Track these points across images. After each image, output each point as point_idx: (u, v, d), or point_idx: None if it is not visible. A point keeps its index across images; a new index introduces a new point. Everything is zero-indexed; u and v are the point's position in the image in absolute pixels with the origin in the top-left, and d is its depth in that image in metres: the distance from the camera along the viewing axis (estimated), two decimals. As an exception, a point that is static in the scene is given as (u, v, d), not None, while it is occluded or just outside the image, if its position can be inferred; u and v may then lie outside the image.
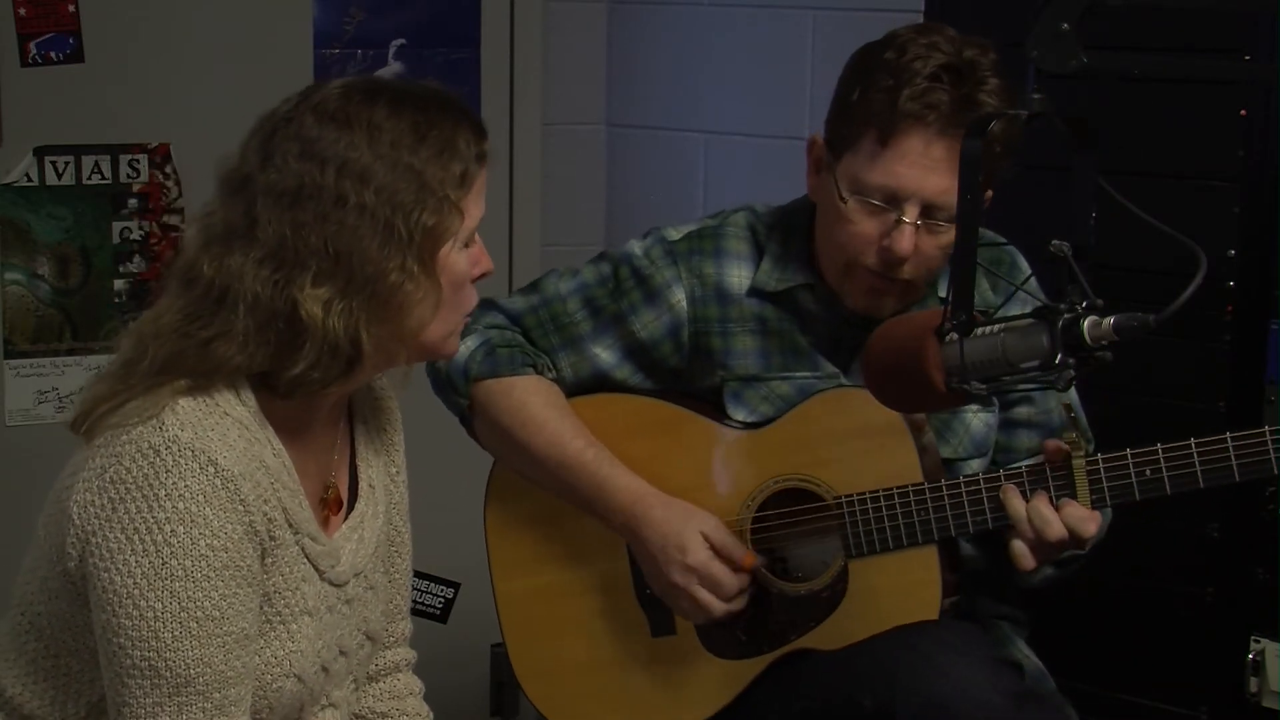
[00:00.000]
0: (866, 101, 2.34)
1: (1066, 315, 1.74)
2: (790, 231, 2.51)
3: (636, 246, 2.55)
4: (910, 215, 2.32)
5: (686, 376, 2.53)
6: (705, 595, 2.42)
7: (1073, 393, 2.54)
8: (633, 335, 2.52)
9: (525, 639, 2.60)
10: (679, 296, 2.50)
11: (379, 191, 1.87)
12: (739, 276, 2.50)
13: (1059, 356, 1.74)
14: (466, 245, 1.96)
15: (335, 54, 3.52)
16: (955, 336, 1.78)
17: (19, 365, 3.36)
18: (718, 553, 2.43)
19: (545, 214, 3.77)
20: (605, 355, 2.53)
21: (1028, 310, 1.79)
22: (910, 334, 1.83)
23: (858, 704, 2.28)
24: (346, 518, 2.07)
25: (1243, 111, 2.73)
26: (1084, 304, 1.73)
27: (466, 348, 2.51)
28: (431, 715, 2.28)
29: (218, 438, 1.86)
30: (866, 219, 2.36)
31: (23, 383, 3.36)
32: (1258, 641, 2.74)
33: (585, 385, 2.55)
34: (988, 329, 1.78)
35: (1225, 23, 2.67)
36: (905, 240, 2.33)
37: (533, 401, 2.50)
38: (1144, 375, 2.77)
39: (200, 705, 1.85)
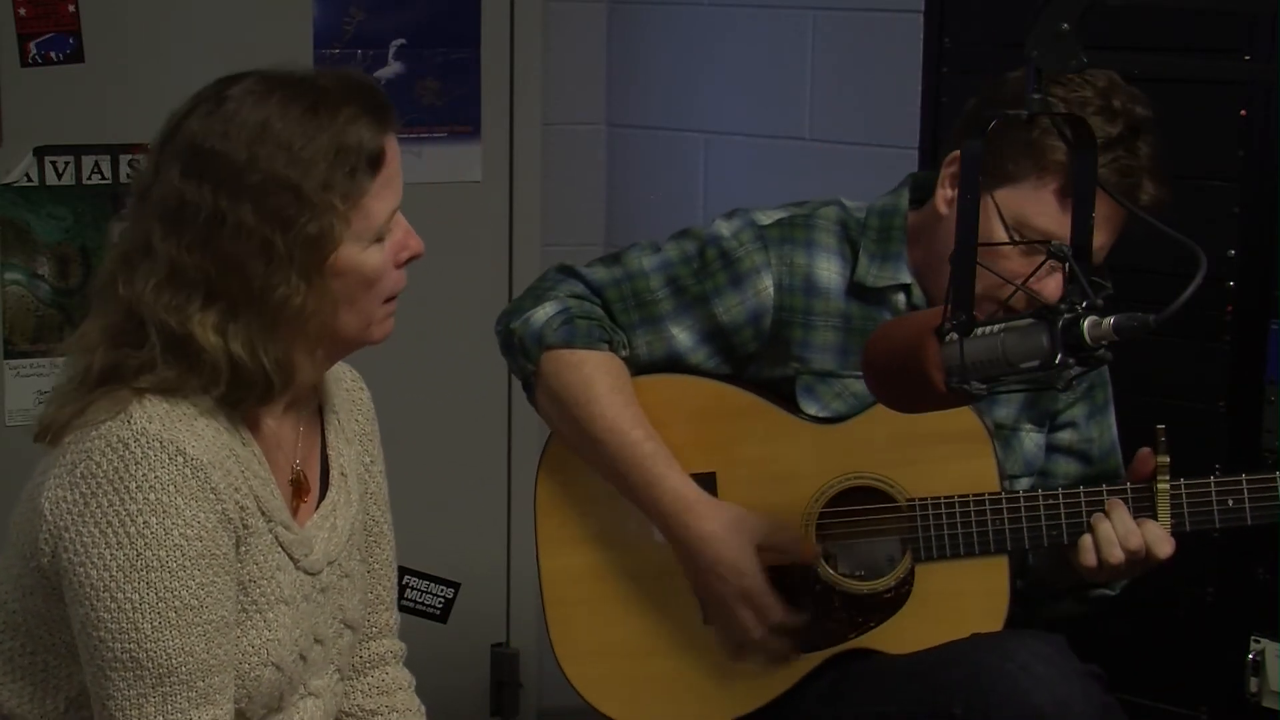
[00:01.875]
0: (1047, 148, 2.30)
1: (1066, 315, 1.74)
2: (888, 231, 2.47)
3: (724, 227, 2.51)
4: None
5: (758, 363, 2.51)
6: (749, 618, 2.41)
7: (1113, 427, 2.56)
8: (714, 318, 2.49)
9: (568, 619, 2.56)
10: (767, 283, 2.47)
11: (257, 208, 1.85)
12: (828, 270, 2.47)
13: (1059, 356, 1.74)
14: (380, 240, 1.93)
15: (335, 54, 3.52)
16: (955, 336, 1.78)
17: (19, 365, 3.36)
18: (776, 553, 2.41)
19: (545, 214, 3.77)
20: (683, 336, 2.50)
21: None
22: (910, 334, 1.83)
23: (947, 712, 2.26)
24: (318, 507, 2.06)
25: (1243, 111, 2.73)
26: (1084, 304, 1.73)
27: (545, 312, 2.48)
28: (424, 709, 2.27)
29: (185, 428, 1.87)
30: (1018, 256, 2.32)
31: (23, 383, 3.36)
32: (1258, 641, 2.74)
33: (658, 365, 2.51)
34: (988, 329, 1.78)
35: (1225, 23, 2.67)
36: (1055, 287, 2.26)
37: (601, 381, 2.46)
38: (1144, 375, 2.77)
39: (185, 695, 1.86)
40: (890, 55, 3.29)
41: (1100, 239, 2.29)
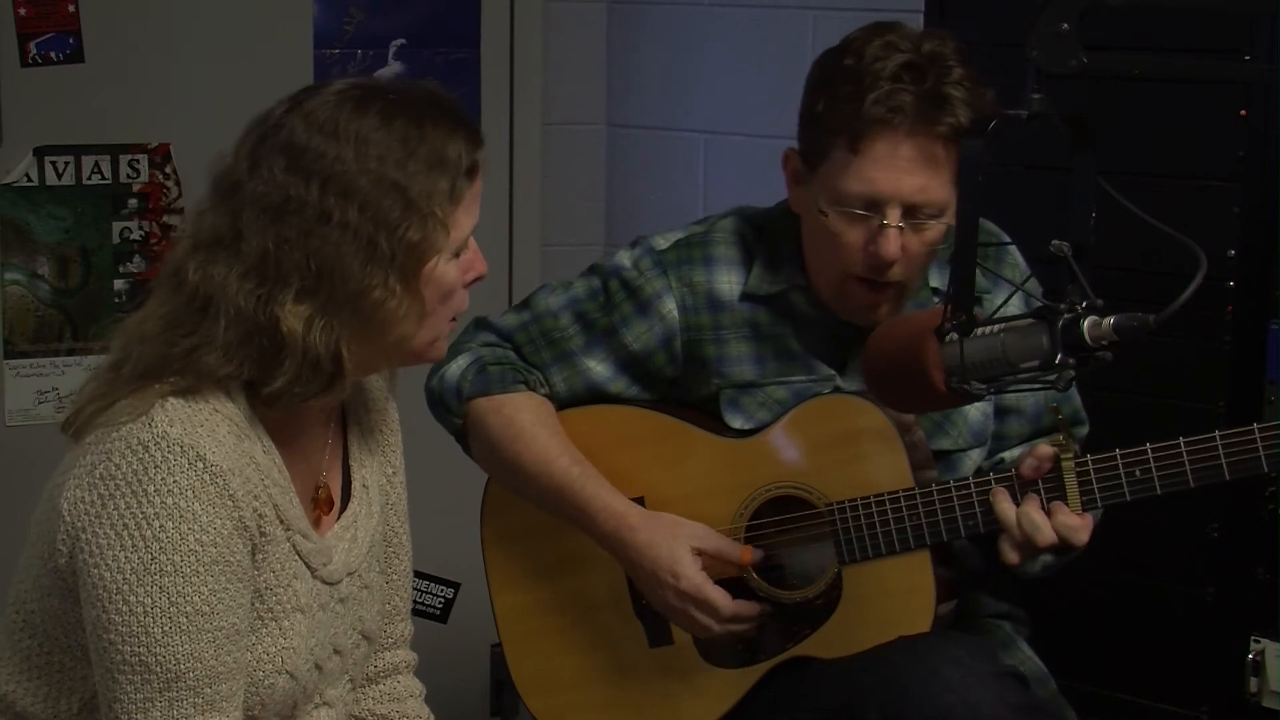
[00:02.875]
0: (832, 111, 2.34)
1: (1066, 315, 1.74)
2: (779, 235, 2.50)
3: (625, 258, 2.54)
4: (892, 218, 2.32)
5: (682, 386, 2.53)
6: (703, 618, 2.42)
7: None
8: (625, 348, 2.51)
9: (524, 653, 2.60)
10: (670, 306, 2.49)
11: (363, 208, 1.86)
12: (729, 282, 2.50)
13: (1059, 356, 1.74)
14: (457, 255, 1.95)
15: (335, 54, 3.52)
16: (955, 336, 1.78)
17: (19, 365, 3.36)
18: (713, 558, 2.43)
19: (545, 214, 3.77)
20: (599, 369, 2.53)
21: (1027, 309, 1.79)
22: (910, 334, 1.83)
23: (862, 717, 2.27)
24: (339, 518, 2.07)
25: (1243, 111, 2.73)
26: (1084, 304, 1.74)
27: (459, 366, 2.52)
28: (432, 718, 2.27)
29: (206, 434, 1.86)
30: (850, 228, 2.35)
31: (23, 383, 3.36)
32: (1258, 641, 2.74)
33: (580, 398, 2.54)
34: (988, 329, 1.78)
35: (1225, 23, 2.67)
36: (891, 244, 2.32)
37: (522, 419, 2.49)
38: (1144, 375, 2.77)
39: (191, 700, 1.86)
40: (890, 55, 3.28)
41: (918, 181, 2.31)
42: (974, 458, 2.50)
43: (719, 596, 2.42)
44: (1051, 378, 1.77)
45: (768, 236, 2.51)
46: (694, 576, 2.42)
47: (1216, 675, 2.80)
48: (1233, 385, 2.77)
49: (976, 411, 2.50)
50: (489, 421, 2.50)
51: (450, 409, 2.53)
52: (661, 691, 2.53)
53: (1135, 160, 2.76)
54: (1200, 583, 2.82)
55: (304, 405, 1.94)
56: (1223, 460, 2.23)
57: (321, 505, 2.04)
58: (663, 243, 2.54)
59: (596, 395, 2.55)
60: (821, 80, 2.39)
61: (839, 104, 2.33)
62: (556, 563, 2.57)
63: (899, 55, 2.31)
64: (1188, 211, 2.72)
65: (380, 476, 2.15)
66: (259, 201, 1.88)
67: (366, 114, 1.89)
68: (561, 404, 2.54)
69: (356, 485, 2.10)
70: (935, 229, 2.34)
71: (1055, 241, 1.78)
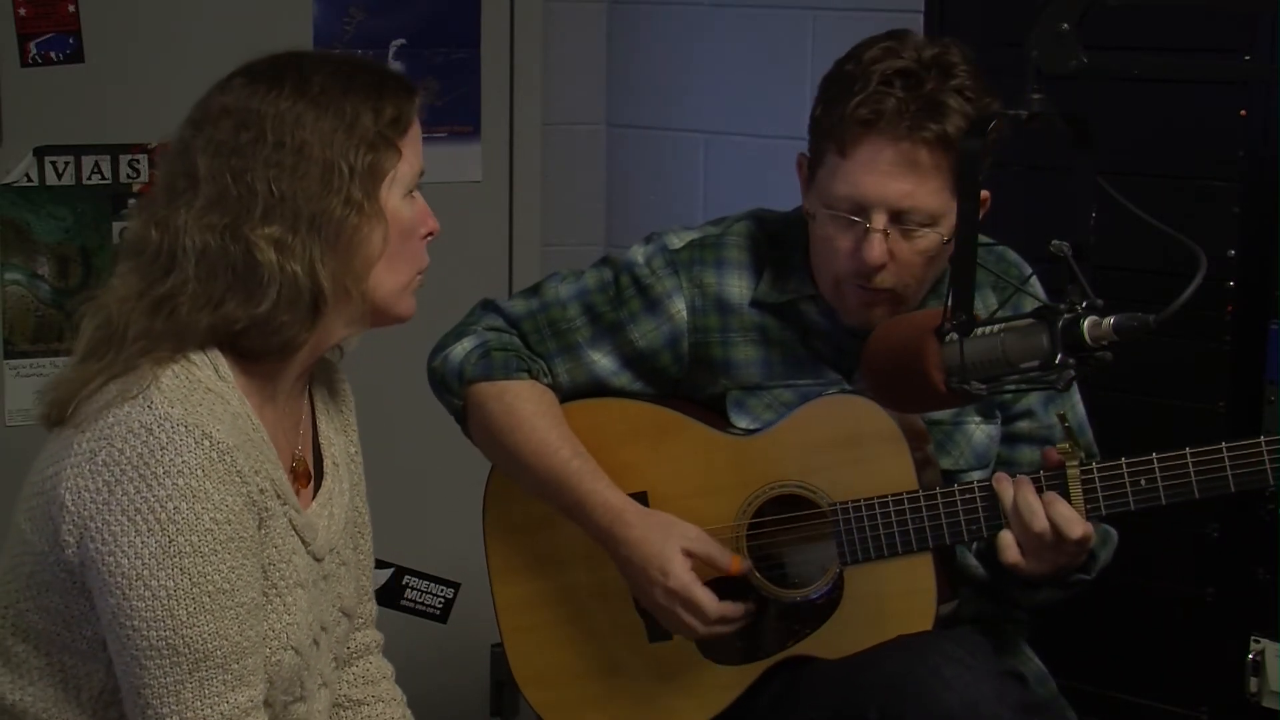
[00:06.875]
0: (827, 115, 2.36)
1: (1066, 315, 1.74)
2: (790, 243, 2.50)
3: (639, 254, 2.54)
4: (878, 223, 2.32)
5: (687, 385, 2.53)
6: (689, 618, 2.43)
7: (1079, 405, 2.55)
8: (631, 344, 2.52)
9: (524, 644, 2.60)
10: (679, 306, 2.50)
11: (315, 133, 1.91)
12: (740, 287, 2.50)
13: (1059, 356, 1.74)
14: (410, 194, 1.99)
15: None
16: (955, 336, 1.78)
17: (19, 365, 3.37)
18: (703, 563, 2.43)
19: (545, 214, 3.77)
20: (604, 362, 2.53)
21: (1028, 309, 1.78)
22: (910, 334, 1.83)
23: (864, 717, 2.27)
24: (315, 495, 2.08)
25: (1243, 111, 2.73)
26: (1084, 304, 1.74)
27: (463, 348, 2.52)
28: (404, 697, 2.28)
29: (206, 411, 1.87)
30: (840, 232, 2.36)
31: (23, 383, 3.36)
32: (1258, 641, 2.74)
33: (583, 391, 2.55)
34: (988, 329, 1.78)
35: (1225, 23, 2.67)
36: (875, 249, 2.32)
37: (524, 407, 2.50)
38: (1144, 375, 2.77)
39: (221, 678, 1.87)
40: (890, 55, 3.28)
41: (904, 187, 2.31)
42: (974, 479, 2.49)
43: (705, 598, 2.42)
44: (1052, 378, 1.77)
45: (780, 244, 2.51)
46: (682, 576, 2.42)
47: (1216, 675, 2.80)
48: (1233, 385, 2.77)
49: (981, 434, 2.50)
50: (490, 407, 2.51)
51: (451, 390, 2.53)
52: (660, 687, 2.53)
53: (1135, 160, 2.76)
54: (1200, 583, 2.82)
55: (290, 349, 1.94)
56: (1229, 472, 2.23)
57: (299, 479, 2.05)
58: (677, 241, 2.54)
59: (599, 388, 2.55)
60: (823, 84, 2.41)
61: (832, 108, 2.35)
62: (559, 555, 2.57)
63: (895, 61, 2.32)
64: (1188, 211, 2.72)
65: (344, 455, 2.17)
66: (211, 143, 1.91)
67: (302, 62, 1.96)
68: (564, 395, 2.54)
69: (328, 462, 2.12)
70: (928, 238, 2.34)
71: (1055, 241, 1.78)
